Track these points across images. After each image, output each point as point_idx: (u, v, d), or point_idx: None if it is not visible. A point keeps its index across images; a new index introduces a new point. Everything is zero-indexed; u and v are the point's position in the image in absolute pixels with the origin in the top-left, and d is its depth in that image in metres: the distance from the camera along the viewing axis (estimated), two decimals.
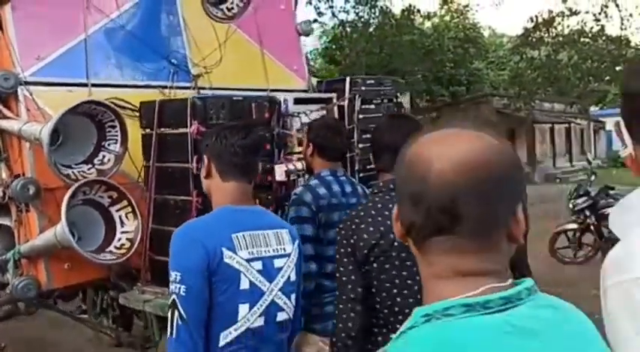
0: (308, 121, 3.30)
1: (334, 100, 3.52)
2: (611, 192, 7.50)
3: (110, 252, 3.07)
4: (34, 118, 3.19)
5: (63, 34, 3.47)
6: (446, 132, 0.89)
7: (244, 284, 1.76)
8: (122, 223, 3.13)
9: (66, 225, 2.83)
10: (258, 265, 1.80)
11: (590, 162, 9.43)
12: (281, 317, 1.85)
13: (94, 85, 3.49)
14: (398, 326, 0.90)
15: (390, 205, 1.83)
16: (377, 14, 17.95)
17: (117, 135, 3.11)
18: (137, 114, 3.39)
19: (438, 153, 0.84)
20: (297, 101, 3.34)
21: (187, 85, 3.97)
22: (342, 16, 18.89)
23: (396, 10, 19.30)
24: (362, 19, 17.99)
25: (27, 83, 3.25)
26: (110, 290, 3.60)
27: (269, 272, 1.82)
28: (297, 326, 2.03)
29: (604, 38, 16.50)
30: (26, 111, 3.22)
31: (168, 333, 1.72)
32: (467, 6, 25.58)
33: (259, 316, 1.79)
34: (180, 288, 1.69)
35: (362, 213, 1.95)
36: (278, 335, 1.86)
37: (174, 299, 1.70)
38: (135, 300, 3.07)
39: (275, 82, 4.45)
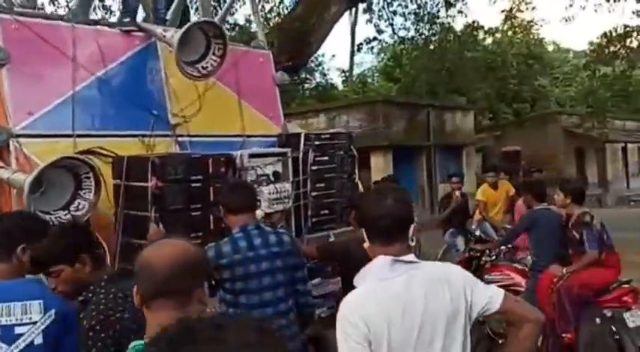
0: (262, 173, 3.70)
1: (289, 154, 3.90)
2: None
3: None
4: (23, 168, 3.61)
5: (53, 91, 3.91)
6: (160, 242, 1.72)
7: None
8: None
9: None
10: None
11: None
12: None
13: (79, 136, 3.92)
14: None
15: None
16: (438, 30, 17.44)
17: (91, 185, 3.53)
18: None
19: (151, 257, 1.62)
20: (253, 156, 3.72)
21: (166, 133, 4.40)
22: (403, 33, 18.48)
23: (458, 27, 18.84)
24: (423, 36, 17.57)
25: (18, 136, 3.69)
26: None
27: (6, 336, 2.24)
28: None
29: None
30: (15, 161, 3.66)
31: None
32: (531, 21, 24.55)
33: None
34: None
35: None
36: None
37: None
38: None
39: (251, 129, 4.86)
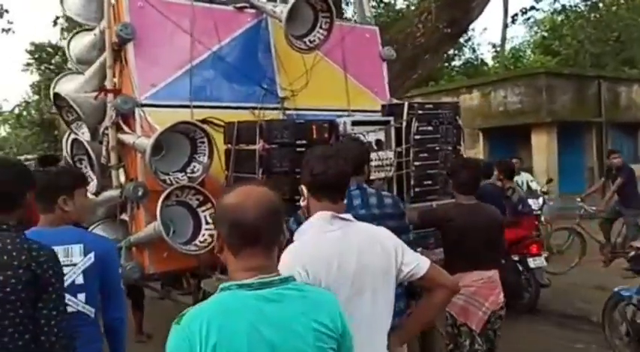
0: (365, 141, 3.75)
1: (392, 122, 3.92)
2: None
3: (195, 244, 3.73)
4: (147, 134, 3.94)
5: (173, 65, 4.22)
6: (245, 188, 1.59)
7: None
8: (206, 221, 3.78)
9: (160, 221, 3.53)
10: None
11: None
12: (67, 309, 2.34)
13: (195, 107, 4.20)
14: None
15: None
16: None
17: (205, 150, 3.78)
18: None
19: (238, 204, 1.53)
20: (356, 123, 3.78)
21: (275, 106, 4.59)
22: (565, 0, 16.75)
23: None
24: (589, 2, 15.21)
25: (142, 105, 4.02)
26: (200, 277, 4.28)
27: None
28: (115, 314, 2.63)
29: None
30: (140, 128, 4.00)
31: None
32: None
33: None
34: None
35: None
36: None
37: None
38: (211, 285, 3.71)
39: (356, 103, 4.94)
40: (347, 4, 14.44)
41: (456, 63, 26.25)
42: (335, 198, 2.20)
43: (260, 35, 4.68)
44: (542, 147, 14.43)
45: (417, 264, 2.17)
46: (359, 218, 2.88)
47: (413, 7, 15.13)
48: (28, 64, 24.21)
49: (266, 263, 1.56)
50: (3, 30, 11.75)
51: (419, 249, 3.76)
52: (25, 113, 26.01)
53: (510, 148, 14.10)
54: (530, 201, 8.98)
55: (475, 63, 26.64)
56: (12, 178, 2.26)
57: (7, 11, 11.38)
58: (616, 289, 4.90)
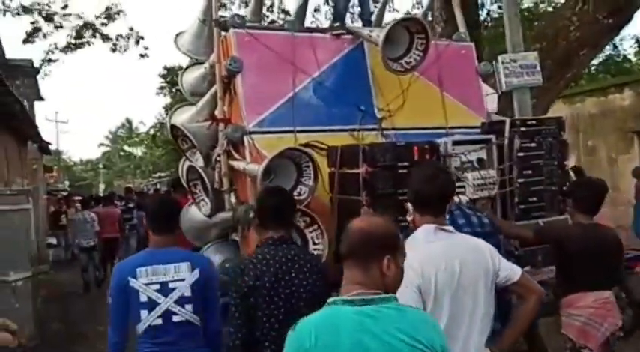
0: (467, 160, 3.78)
1: (493, 140, 3.91)
2: None
3: None
4: (255, 160, 4.19)
5: (276, 93, 4.45)
6: (359, 218, 2.02)
7: (143, 298, 2.93)
8: (314, 242, 3.95)
9: None
10: (156, 286, 2.94)
11: None
12: (176, 319, 2.95)
13: (298, 132, 4.41)
14: None
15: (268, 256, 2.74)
16: None
17: (311, 173, 3.96)
18: None
19: (350, 226, 1.91)
20: (457, 143, 3.81)
21: (373, 127, 4.71)
22: None
23: None
24: None
25: (250, 133, 4.30)
26: None
27: (164, 290, 2.94)
28: (213, 325, 3.10)
29: None
30: (249, 155, 4.27)
31: None
32: None
33: (157, 317, 2.94)
34: (109, 299, 3.01)
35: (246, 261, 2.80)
36: (176, 330, 2.97)
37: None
38: None
39: (454, 120, 4.94)
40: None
41: (594, 61, 24.39)
42: (436, 213, 2.54)
43: (357, 59, 4.82)
44: None
45: (512, 270, 2.53)
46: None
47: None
48: (162, 87, 25.89)
49: (361, 279, 1.82)
50: (140, 56, 12.70)
51: (526, 268, 3.73)
52: (159, 134, 27.93)
53: None
54: None
55: (617, 59, 24.71)
56: (283, 201, 2.95)
57: (142, 38, 12.36)
58: None
